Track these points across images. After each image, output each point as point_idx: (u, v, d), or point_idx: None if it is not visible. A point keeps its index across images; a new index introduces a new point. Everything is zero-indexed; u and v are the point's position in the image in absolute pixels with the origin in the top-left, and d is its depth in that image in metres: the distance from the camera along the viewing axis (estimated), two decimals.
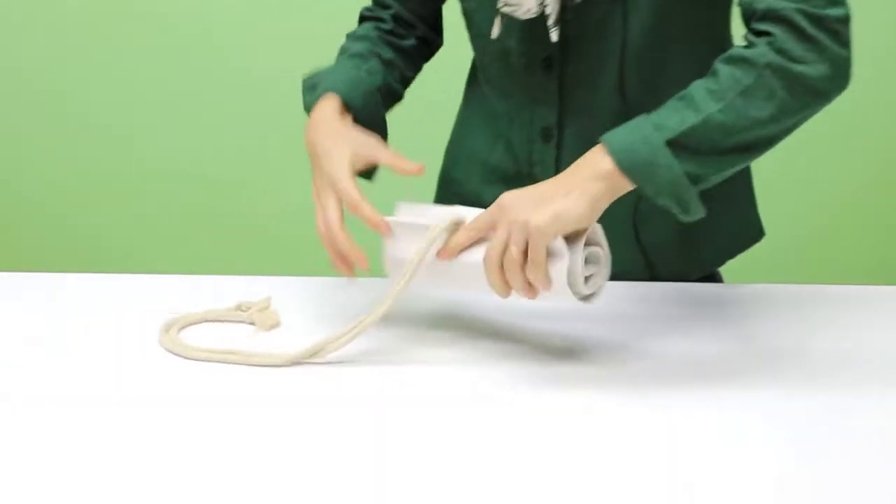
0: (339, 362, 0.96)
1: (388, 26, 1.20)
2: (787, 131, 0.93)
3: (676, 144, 0.89)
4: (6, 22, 2.22)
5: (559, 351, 0.99)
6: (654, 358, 0.97)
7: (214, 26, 2.20)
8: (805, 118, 0.93)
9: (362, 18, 1.23)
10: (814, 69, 0.90)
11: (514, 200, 0.91)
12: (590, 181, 0.90)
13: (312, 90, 1.11)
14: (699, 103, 0.90)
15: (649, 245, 1.15)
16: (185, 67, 2.22)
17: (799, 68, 0.89)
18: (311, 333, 1.00)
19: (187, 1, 2.20)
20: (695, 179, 0.91)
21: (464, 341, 1.01)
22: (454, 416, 0.86)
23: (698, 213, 0.93)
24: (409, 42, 1.20)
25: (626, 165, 0.90)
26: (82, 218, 2.32)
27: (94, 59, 2.22)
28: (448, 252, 0.94)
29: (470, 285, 0.95)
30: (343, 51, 1.18)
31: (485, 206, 0.96)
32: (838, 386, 0.92)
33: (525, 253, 0.88)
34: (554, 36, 1.03)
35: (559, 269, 0.89)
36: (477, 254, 0.93)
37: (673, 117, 0.90)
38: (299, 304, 1.10)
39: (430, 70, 1.26)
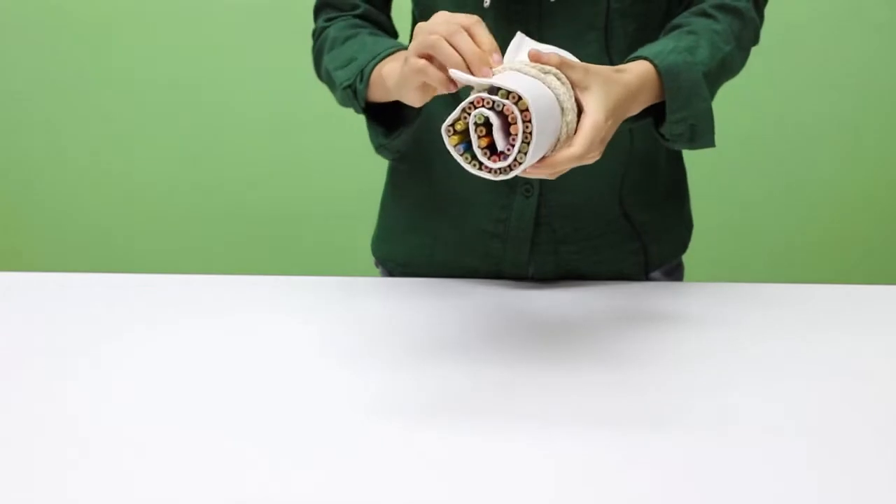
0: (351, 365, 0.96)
1: (360, 22, 1.14)
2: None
3: (706, 77, 0.99)
4: (3, 22, 2.22)
5: (557, 356, 1.00)
6: (653, 358, 0.97)
7: (217, 25, 2.20)
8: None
9: (326, 23, 1.15)
10: (760, 27, 1.11)
11: (612, 125, 0.90)
12: (640, 104, 0.95)
13: (347, 64, 1.04)
14: (715, 41, 1.01)
15: (640, 225, 1.18)
16: (186, 66, 2.22)
17: (758, 25, 1.10)
18: (312, 333, 1.00)
19: (189, 1, 2.20)
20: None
21: (458, 346, 1.01)
22: (451, 423, 0.87)
23: (710, 140, 1.00)
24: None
25: (671, 90, 0.96)
26: (82, 218, 2.33)
27: (95, 58, 2.23)
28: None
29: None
30: (338, 40, 1.10)
31: None
32: (838, 386, 0.92)
33: None
34: None
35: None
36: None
37: (699, 52, 0.99)
38: (299, 304, 1.11)
39: None
